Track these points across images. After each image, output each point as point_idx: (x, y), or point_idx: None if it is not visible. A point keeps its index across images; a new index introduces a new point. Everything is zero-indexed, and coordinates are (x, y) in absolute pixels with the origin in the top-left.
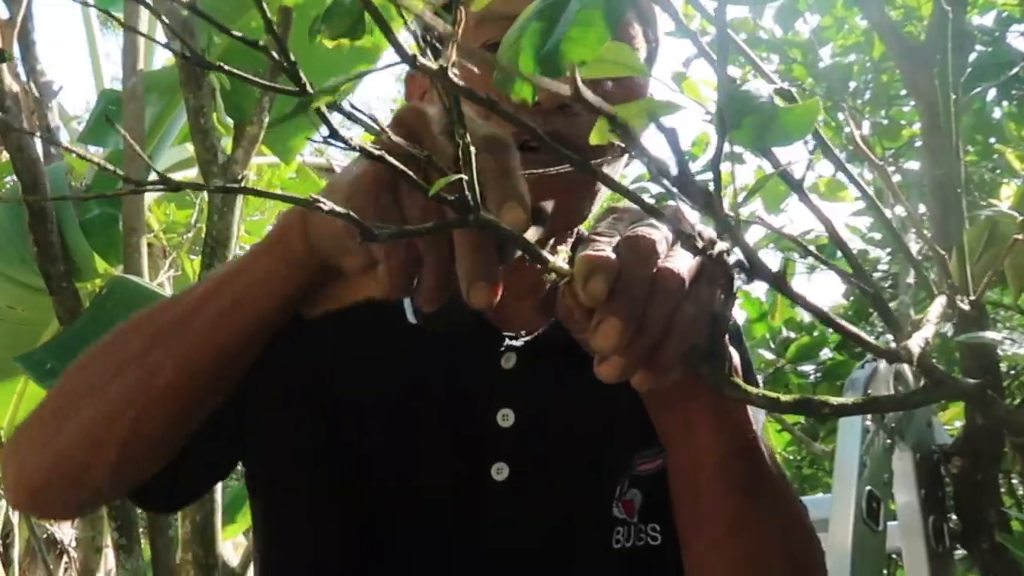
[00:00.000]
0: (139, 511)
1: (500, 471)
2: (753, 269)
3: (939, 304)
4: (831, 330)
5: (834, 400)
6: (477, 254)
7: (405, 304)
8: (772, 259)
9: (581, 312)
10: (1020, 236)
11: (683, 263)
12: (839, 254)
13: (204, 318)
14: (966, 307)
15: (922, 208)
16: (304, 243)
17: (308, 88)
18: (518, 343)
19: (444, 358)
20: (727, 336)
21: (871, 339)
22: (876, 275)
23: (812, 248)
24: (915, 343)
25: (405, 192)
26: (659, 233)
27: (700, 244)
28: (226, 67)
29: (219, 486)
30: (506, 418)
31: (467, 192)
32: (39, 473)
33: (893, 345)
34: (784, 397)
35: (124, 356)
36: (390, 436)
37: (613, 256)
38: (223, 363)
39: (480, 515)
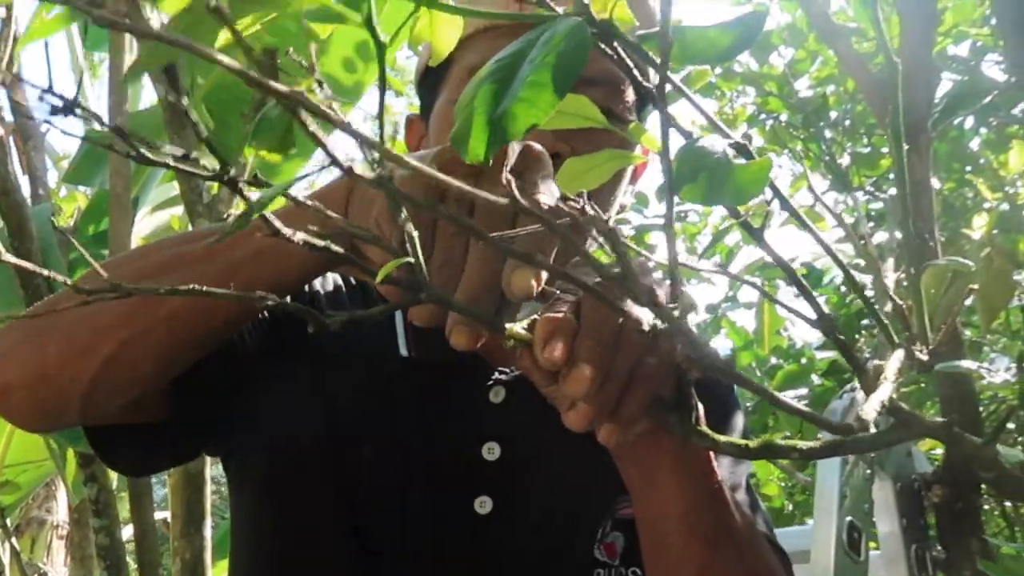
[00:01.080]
0: (128, 549)
1: (484, 504)
2: (700, 359)
3: (896, 359)
4: (819, 357)
5: (802, 444)
6: (474, 304)
7: (399, 337)
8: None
9: (541, 373)
10: (975, 285)
11: (647, 315)
12: (825, 280)
13: (222, 261)
14: (924, 357)
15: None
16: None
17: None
18: (507, 377)
19: (433, 390)
20: (716, 383)
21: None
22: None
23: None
24: (870, 411)
25: (452, 208)
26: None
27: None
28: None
29: (208, 524)
30: (492, 451)
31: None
32: (17, 369)
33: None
34: (752, 443)
35: (130, 276)
36: (378, 464)
37: (571, 317)
38: (229, 309)
39: (463, 548)
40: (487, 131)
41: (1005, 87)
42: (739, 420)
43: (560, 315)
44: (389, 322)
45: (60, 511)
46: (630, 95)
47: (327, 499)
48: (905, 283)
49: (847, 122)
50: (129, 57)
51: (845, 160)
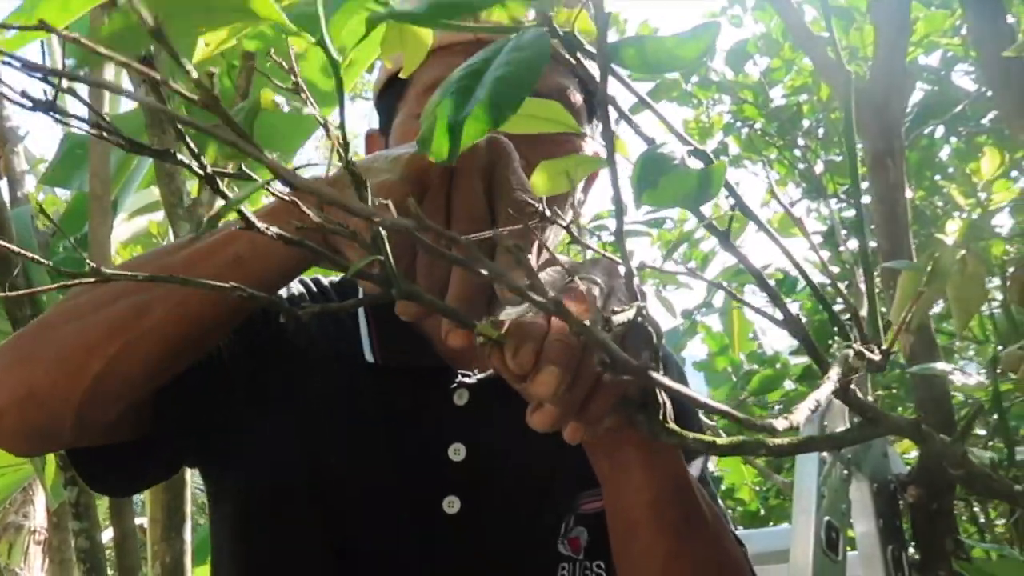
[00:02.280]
0: (108, 554)
1: (452, 504)
2: (615, 363)
3: (841, 360)
4: (793, 362)
5: (772, 440)
6: (465, 303)
7: (363, 343)
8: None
9: (510, 373)
10: (927, 290)
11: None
12: (799, 286)
13: (205, 268)
14: (876, 357)
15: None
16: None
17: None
18: (471, 380)
19: (399, 394)
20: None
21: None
22: (836, 307)
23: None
24: (803, 410)
25: (428, 214)
26: (595, 287)
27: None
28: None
29: (188, 527)
30: (457, 452)
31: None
32: (7, 393)
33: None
34: (720, 440)
35: (117, 291)
36: (345, 468)
37: (541, 321)
38: (215, 315)
39: (433, 548)
40: (450, 134)
41: (975, 97)
42: (696, 420)
43: (532, 323)
44: (354, 329)
45: (38, 516)
46: (579, 102)
47: (300, 504)
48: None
49: (820, 131)
50: (108, 64)
51: (819, 168)
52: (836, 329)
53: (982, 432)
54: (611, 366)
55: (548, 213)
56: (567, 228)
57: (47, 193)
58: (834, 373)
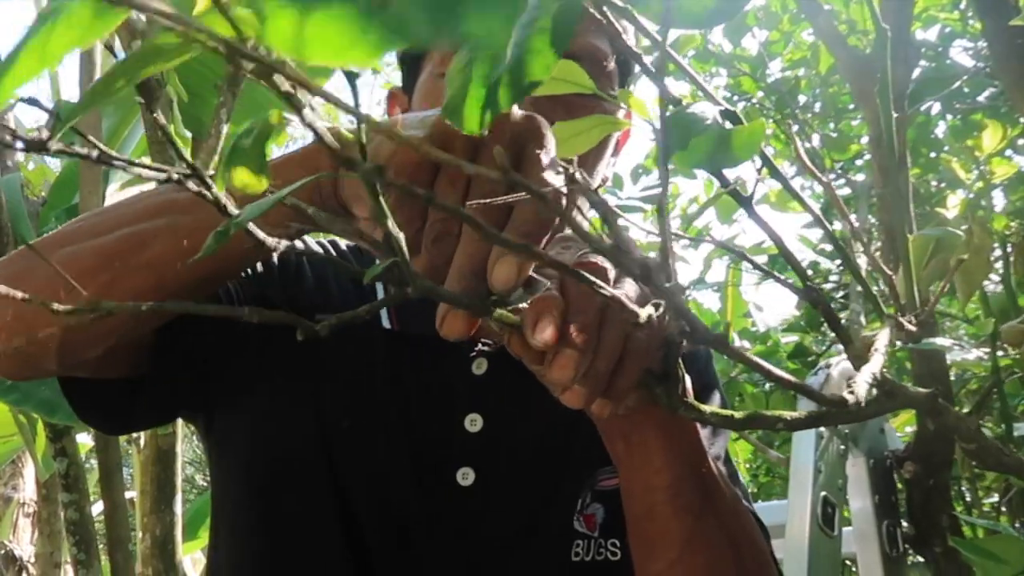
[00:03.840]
0: (98, 527)
1: (466, 476)
2: (694, 333)
3: (886, 333)
4: (784, 339)
5: (787, 414)
6: (465, 284)
7: (381, 310)
8: (722, 268)
9: (532, 355)
10: (965, 255)
11: (632, 289)
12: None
13: (203, 212)
14: (912, 327)
15: (872, 219)
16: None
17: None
18: (489, 349)
19: (416, 362)
20: (694, 360)
21: (823, 346)
22: (827, 286)
23: (763, 259)
24: (862, 383)
25: (444, 183)
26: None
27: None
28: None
29: (179, 501)
30: (474, 423)
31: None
32: None
33: (844, 362)
34: (737, 414)
35: (119, 219)
36: (360, 437)
37: (558, 297)
38: (220, 258)
39: (445, 519)
40: (483, 98)
41: (973, 73)
42: (716, 397)
43: (548, 296)
44: (372, 295)
45: (27, 489)
46: (611, 67)
47: (310, 472)
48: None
49: (817, 105)
50: (99, 56)
51: (815, 142)
52: (833, 307)
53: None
54: (687, 334)
55: (577, 198)
56: (597, 205)
57: (37, 163)
58: (882, 344)
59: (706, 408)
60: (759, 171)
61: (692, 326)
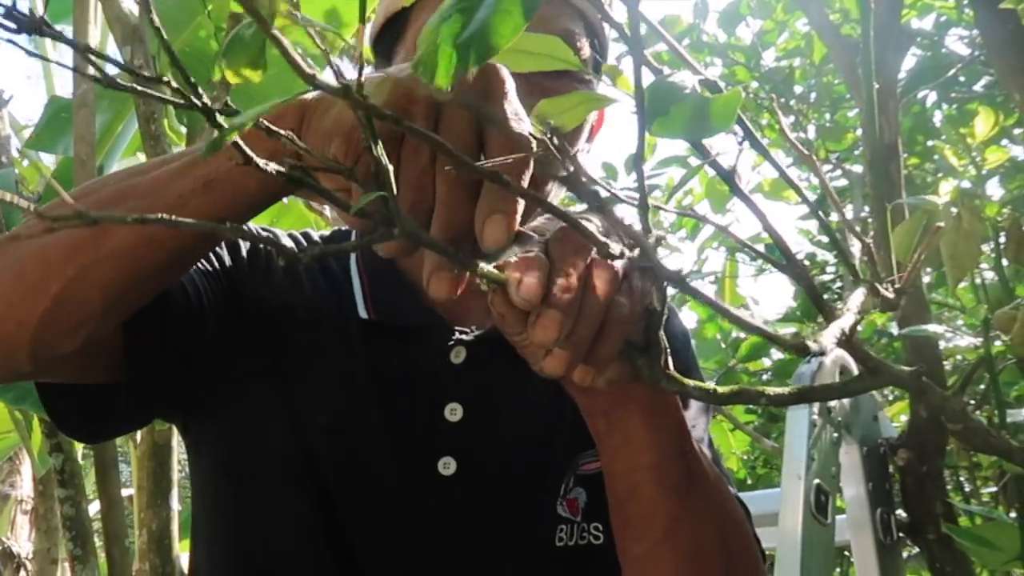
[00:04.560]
0: (95, 523)
1: (447, 466)
2: (656, 269)
3: (859, 294)
4: (780, 330)
5: (771, 390)
6: (450, 236)
7: (356, 299)
8: (719, 258)
9: (515, 316)
10: (946, 223)
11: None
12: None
13: (172, 192)
14: (889, 295)
15: (866, 209)
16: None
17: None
18: (468, 337)
19: (394, 352)
20: (670, 340)
21: (819, 332)
22: (825, 277)
23: (759, 248)
24: (829, 336)
25: (411, 147)
26: (592, 227)
27: (627, 242)
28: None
29: (176, 496)
30: (454, 412)
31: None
32: None
33: (837, 349)
34: (720, 389)
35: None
36: (338, 431)
37: (543, 256)
38: (180, 240)
39: (427, 510)
40: (453, 56)
41: (968, 61)
42: (695, 375)
43: (531, 254)
44: (346, 284)
45: (24, 486)
46: (587, 51)
47: (288, 470)
48: (870, 221)
49: (812, 96)
50: (93, 28)
51: (811, 133)
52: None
53: (970, 401)
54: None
55: (550, 145)
56: (568, 178)
57: (32, 159)
58: (854, 304)
59: (689, 382)
60: (740, 143)
61: (654, 264)
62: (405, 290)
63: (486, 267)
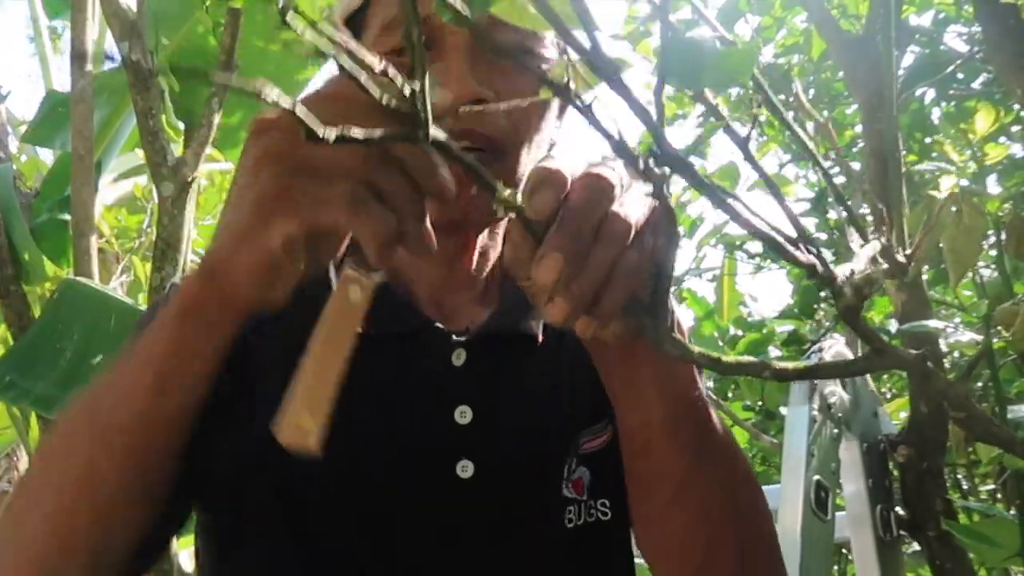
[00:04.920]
0: None
1: (465, 468)
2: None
3: (871, 247)
4: (778, 328)
5: (776, 363)
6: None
7: None
8: (717, 256)
9: (526, 250)
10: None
11: (633, 210)
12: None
13: (134, 408)
14: (902, 259)
15: (865, 207)
16: (219, 302)
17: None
18: (464, 338)
19: (396, 362)
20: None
21: (818, 333)
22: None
23: (757, 244)
24: (843, 270)
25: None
26: (615, 176)
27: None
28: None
29: None
30: (464, 415)
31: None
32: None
33: (836, 344)
34: (725, 358)
35: (68, 470)
36: (348, 447)
37: (563, 172)
38: (167, 438)
39: (449, 513)
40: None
41: (967, 58)
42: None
43: (553, 167)
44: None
45: None
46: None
47: (313, 505)
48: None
49: (811, 92)
50: (91, 23)
51: (810, 130)
52: (824, 295)
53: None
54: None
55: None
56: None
57: (30, 154)
58: (865, 255)
59: (694, 348)
60: (758, 106)
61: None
62: (393, 300)
63: (504, 191)
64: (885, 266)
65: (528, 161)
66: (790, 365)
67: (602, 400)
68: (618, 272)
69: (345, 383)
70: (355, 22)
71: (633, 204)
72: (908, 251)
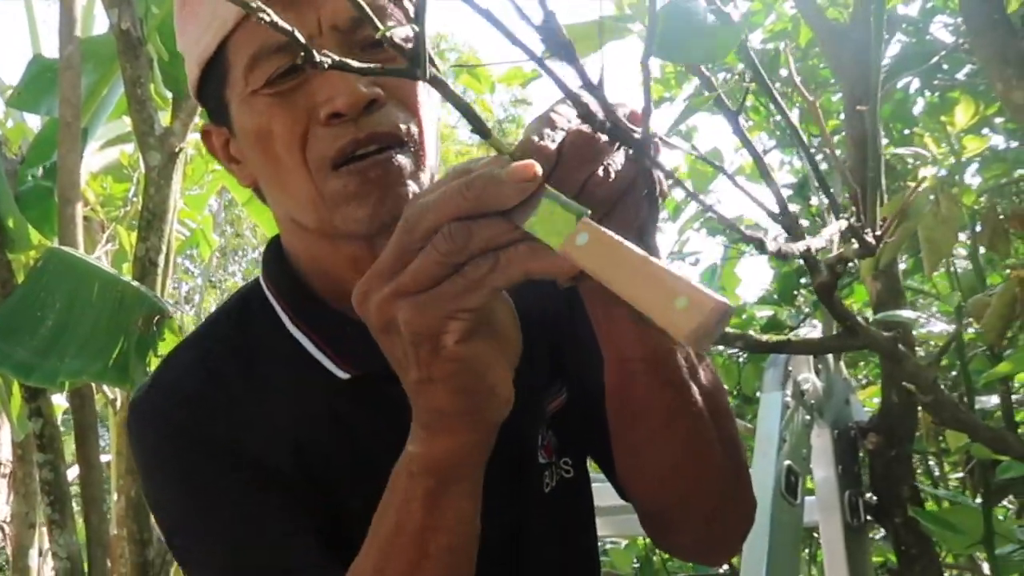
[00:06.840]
0: (73, 488)
1: None
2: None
3: (836, 226)
4: (758, 313)
5: (750, 335)
6: None
7: (327, 365)
8: (701, 241)
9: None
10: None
11: (620, 170)
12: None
13: (437, 547)
14: (870, 240)
15: (846, 195)
16: (460, 417)
17: None
18: None
19: (386, 396)
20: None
21: (797, 319)
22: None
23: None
24: (799, 245)
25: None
26: (604, 137)
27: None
28: None
29: None
30: None
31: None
32: None
33: (812, 333)
34: None
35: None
36: (354, 489)
37: (553, 149)
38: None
39: None
40: None
41: (951, 49)
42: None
43: (544, 144)
44: (307, 360)
45: (3, 450)
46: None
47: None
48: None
49: (798, 79)
50: (79, 12)
51: (795, 116)
52: (804, 282)
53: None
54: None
55: None
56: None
57: (16, 121)
58: (829, 231)
59: None
60: (747, 84)
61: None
62: (360, 339)
63: (500, 141)
64: (856, 246)
65: (431, 141)
66: (763, 337)
67: (558, 362)
68: (583, 193)
69: (348, 435)
70: (215, 68)
71: (619, 163)
72: (878, 232)
